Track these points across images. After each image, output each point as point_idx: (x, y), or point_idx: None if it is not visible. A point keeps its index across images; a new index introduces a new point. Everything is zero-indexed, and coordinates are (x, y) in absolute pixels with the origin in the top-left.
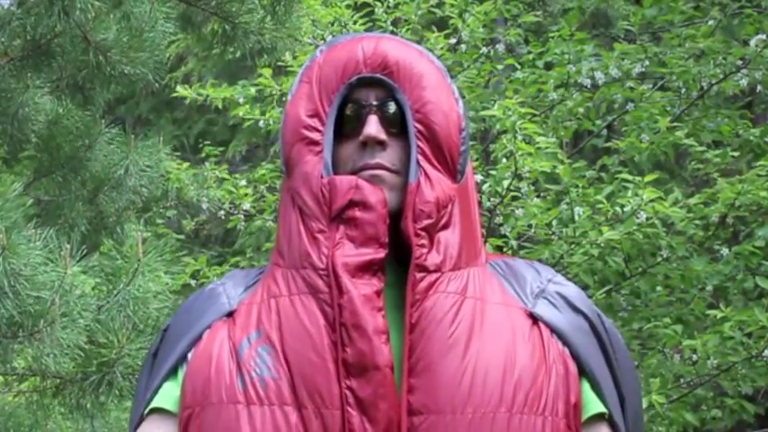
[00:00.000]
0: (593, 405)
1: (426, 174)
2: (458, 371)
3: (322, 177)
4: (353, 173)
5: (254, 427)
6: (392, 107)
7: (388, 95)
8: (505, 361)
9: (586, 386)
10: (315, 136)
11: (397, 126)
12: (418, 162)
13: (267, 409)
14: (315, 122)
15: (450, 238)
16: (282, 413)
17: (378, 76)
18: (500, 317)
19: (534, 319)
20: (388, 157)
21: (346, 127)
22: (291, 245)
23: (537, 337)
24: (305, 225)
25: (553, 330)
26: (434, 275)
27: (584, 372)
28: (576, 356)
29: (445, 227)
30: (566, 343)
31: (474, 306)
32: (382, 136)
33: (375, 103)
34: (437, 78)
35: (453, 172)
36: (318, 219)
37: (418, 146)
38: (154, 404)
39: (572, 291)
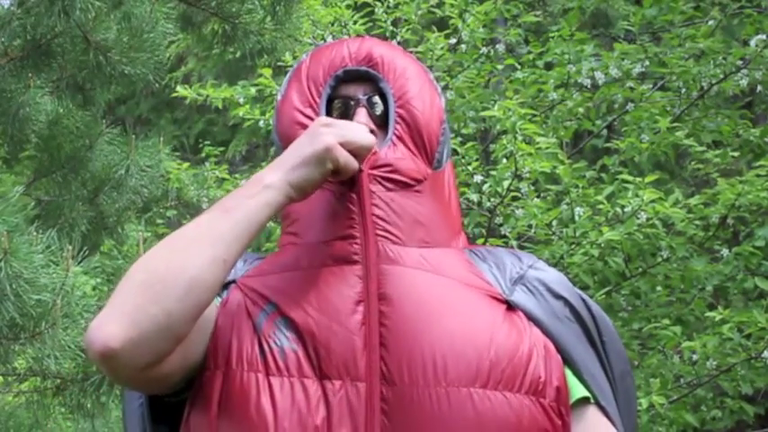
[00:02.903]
0: (577, 390)
1: (394, 148)
2: (433, 345)
3: None
4: None
5: (273, 397)
6: (378, 101)
7: (374, 90)
8: (482, 340)
9: (569, 372)
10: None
11: (383, 120)
12: (391, 139)
13: (286, 380)
14: (309, 112)
15: (414, 207)
16: (302, 385)
17: (363, 68)
18: (475, 297)
19: (511, 305)
20: (378, 147)
21: None
22: (313, 221)
23: (515, 321)
24: (328, 198)
25: (531, 318)
26: (399, 248)
27: (564, 358)
28: (555, 343)
29: (408, 195)
30: (544, 330)
31: (446, 284)
32: (371, 126)
33: (363, 97)
34: (419, 73)
35: (430, 158)
36: (343, 192)
37: (396, 128)
38: None
39: (552, 276)
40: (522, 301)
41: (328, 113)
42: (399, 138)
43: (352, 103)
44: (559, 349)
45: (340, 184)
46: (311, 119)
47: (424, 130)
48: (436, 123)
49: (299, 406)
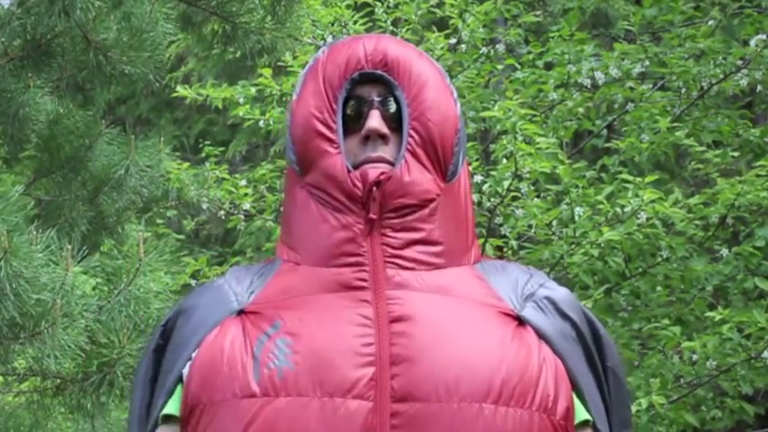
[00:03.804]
0: (581, 412)
1: (408, 166)
2: (444, 363)
3: (349, 171)
4: (356, 166)
5: (268, 417)
6: (392, 103)
7: (388, 92)
8: (493, 358)
9: (572, 393)
10: (329, 133)
11: (396, 122)
12: (404, 156)
13: (283, 400)
14: (327, 119)
15: (426, 230)
16: (299, 404)
17: (378, 72)
18: (485, 315)
19: (522, 321)
20: (390, 150)
21: (348, 122)
22: (319, 245)
23: (525, 337)
24: (336, 220)
25: (540, 335)
26: (409, 273)
27: (570, 378)
28: (563, 362)
29: (420, 218)
30: (553, 349)
31: (457, 304)
32: (384, 129)
33: (377, 98)
34: (436, 78)
35: (444, 171)
36: (353, 211)
37: (409, 142)
38: (166, 410)
39: (561, 295)
40: (534, 318)
41: (342, 112)
42: (413, 153)
43: (366, 104)
44: (566, 369)
45: (349, 211)
46: (329, 126)
47: (439, 142)
48: (451, 134)
49: (297, 424)
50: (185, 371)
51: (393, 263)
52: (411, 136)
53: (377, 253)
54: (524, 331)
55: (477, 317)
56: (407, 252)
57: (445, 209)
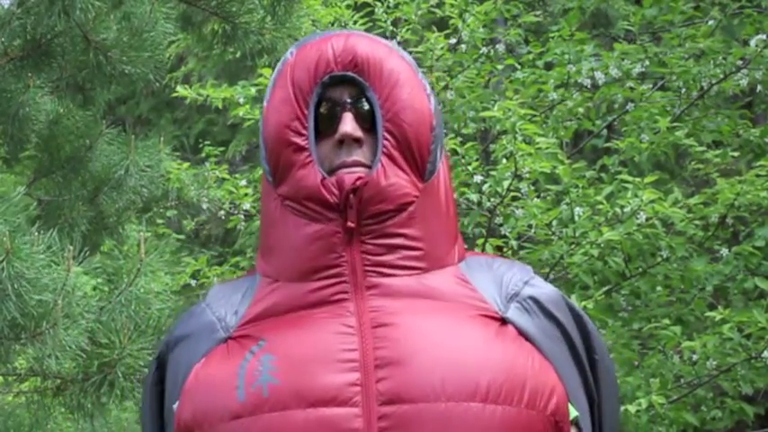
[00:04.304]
0: (571, 410)
1: (385, 170)
2: (431, 365)
3: (324, 179)
4: (331, 171)
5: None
6: (365, 104)
7: (360, 92)
8: (478, 358)
9: (563, 390)
10: (301, 141)
11: (370, 122)
12: (381, 160)
13: (268, 416)
14: (297, 127)
15: (406, 234)
16: (284, 418)
17: (349, 74)
18: (469, 318)
19: (506, 321)
20: (365, 153)
21: (321, 125)
22: (298, 259)
23: (509, 337)
24: (313, 231)
25: (525, 335)
26: (390, 279)
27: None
28: (549, 362)
29: (400, 222)
30: (538, 348)
31: (441, 307)
32: (358, 133)
33: (349, 100)
34: (408, 75)
35: (422, 171)
36: (331, 220)
37: (384, 144)
38: None
39: (546, 294)
40: (517, 319)
41: (314, 114)
42: (389, 156)
43: (339, 107)
44: (554, 368)
45: (326, 220)
46: (299, 133)
47: (414, 142)
48: (426, 132)
49: None
50: (175, 405)
51: (374, 270)
52: (386, 138)
53: (356, 262)
54: (508, 332)
55: (460, 320)
56: (388, 258)
57: (425, 210)
